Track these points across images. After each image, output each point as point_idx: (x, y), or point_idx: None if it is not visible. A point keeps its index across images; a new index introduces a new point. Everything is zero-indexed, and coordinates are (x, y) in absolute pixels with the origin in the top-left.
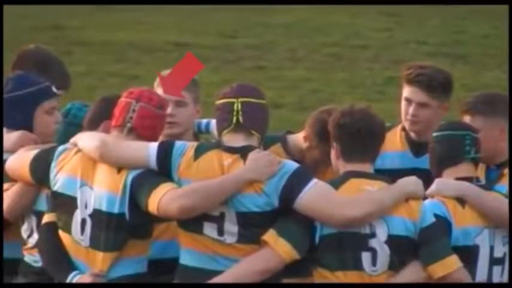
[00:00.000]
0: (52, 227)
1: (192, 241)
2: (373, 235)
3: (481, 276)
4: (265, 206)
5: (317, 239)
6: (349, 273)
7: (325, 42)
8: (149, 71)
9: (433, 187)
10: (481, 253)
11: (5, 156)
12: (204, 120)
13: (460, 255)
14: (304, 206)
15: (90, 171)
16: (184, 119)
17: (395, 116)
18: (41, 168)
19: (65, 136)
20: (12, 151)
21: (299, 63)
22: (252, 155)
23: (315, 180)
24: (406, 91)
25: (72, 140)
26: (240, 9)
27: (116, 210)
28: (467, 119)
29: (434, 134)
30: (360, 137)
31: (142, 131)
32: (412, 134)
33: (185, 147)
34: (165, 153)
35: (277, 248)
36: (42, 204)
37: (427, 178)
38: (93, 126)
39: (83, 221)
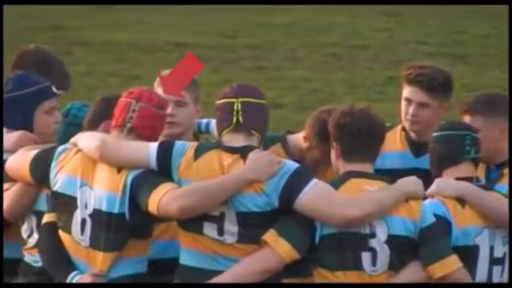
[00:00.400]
0: (52, 227)
1: (192, 241)
2: (373, 235)
3: (481, 276)
4: (265, 206)
5: (317, 239)
6: (349, 273)
7: (325, 42)
8: (149, 71)
9: (433, 187)
10: (481, 253)
11: (5, 156)
12: (204, 120)
13: (460, 255)
14: (304, 206)
15: (90, 171)
16: (184, 119)
17: (395, 116)
18: (41, 168)
19: (65, 136)
20: (12, 151)
21: (299, 63)
22: (252, 155)
23: (315, 180)
24: (406, 91)
25: (72, 140)
26: (240, 9)
27: (116, 210)
28: (467, 119)
29: (434, 134)
30: (360, 137)
31: (142, 131)
32: (412, 134)
33: (185, 147)
34: (165, 153)
35: (277, 248)
36: (42, 204)
37: (427, 178)
38: (93, 126)
39: (83, 221)
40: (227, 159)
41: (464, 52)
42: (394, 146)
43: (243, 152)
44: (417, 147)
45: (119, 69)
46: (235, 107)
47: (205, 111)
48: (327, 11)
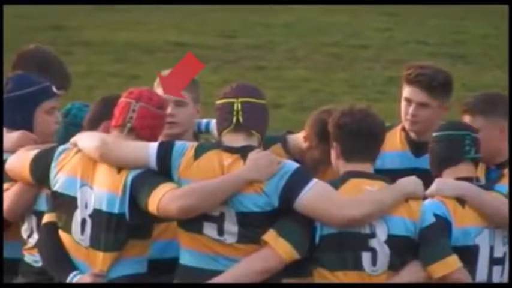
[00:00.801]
0: (52, 227)
1: (192, 241)
2: (373, 235)
3: (481, 276)
4: (265, 206)
5: (317, 239)
6: (349, 273)
7: (325, 42)
8: (149, 71)
9: (433, 187)
10: (481, 253)
11: (5, 156)
12: (204, 120)
13: (460, 255)
14: (304, 206)
15: (90, 172)
16: (184, 119)
17: (395, 116)
18: (40, 168)
19: (65, 136)
20: (12, 151)
21: (299, 63)
22: (252, 155)
23: (315, 180)
24: (406, 91)
25: (72, 140)
26: (240, 9)
27: (116, 210)
28: (467, 118)
29: (434, 134)
30: (360, 137)
31: (142, 131)
32: (412, 134)
33: (185, 147)
34: (165, 153)
35: (277, 248)
36: (42, 204)
37: (427, 178)
38: (93, 126)
39: (83, 221)
40: (227, 159)
41: (465, 52)
42: (394, 146)
43: (243, 152)
44: (417, 147)
45: (119, 69)
46: (235, 107)
47: (205, 111)
48: (326, 11)
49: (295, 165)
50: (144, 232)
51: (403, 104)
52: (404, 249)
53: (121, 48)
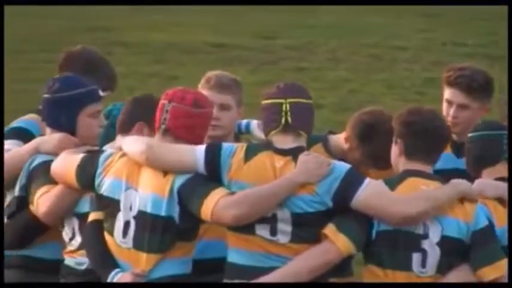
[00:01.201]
0: (97, 225)
1: (243, 241)
2: (425, 236)
3: None
4: (318, 206)
5: (374, 235)
6: (398, 272)
7: (365, 43)
8: (189, 72)
9: (474, 188)
10: None
11: (44, 157)
12: (244, 121)
13: None
14: (361, 203)
15: (135, 174)
16: (227, 122)
17: None
18: (86, 174)
19: (106, 138)
20: (53, 153)
21: (340, 64)
22: (301, 158)
23: (368, 179)
24: (447, 93)
25: (117, 144)
26: (277, 10)
27: (162, 213)
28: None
29: (470, 135)
30: (426, 137)
31: (177, 131)
32: (454, 135)
33: (233, 148)
34: (213, 155)
35: (337, 242)
36: (84, 206)
37: (467, 179)
38: (125, 127)
39: (126, 224)
40: (279, 161)
41: (503, 53)
42: None
43: (294, 154)
44: (458, 148)
45: (158, 70)
46: (283, 108)
47: (244, 112)
48: (366, 11)
49: (347, 166)
50: (191, 234)
51: (444, 105)
52: (454, 251)
53: (159, 49)
